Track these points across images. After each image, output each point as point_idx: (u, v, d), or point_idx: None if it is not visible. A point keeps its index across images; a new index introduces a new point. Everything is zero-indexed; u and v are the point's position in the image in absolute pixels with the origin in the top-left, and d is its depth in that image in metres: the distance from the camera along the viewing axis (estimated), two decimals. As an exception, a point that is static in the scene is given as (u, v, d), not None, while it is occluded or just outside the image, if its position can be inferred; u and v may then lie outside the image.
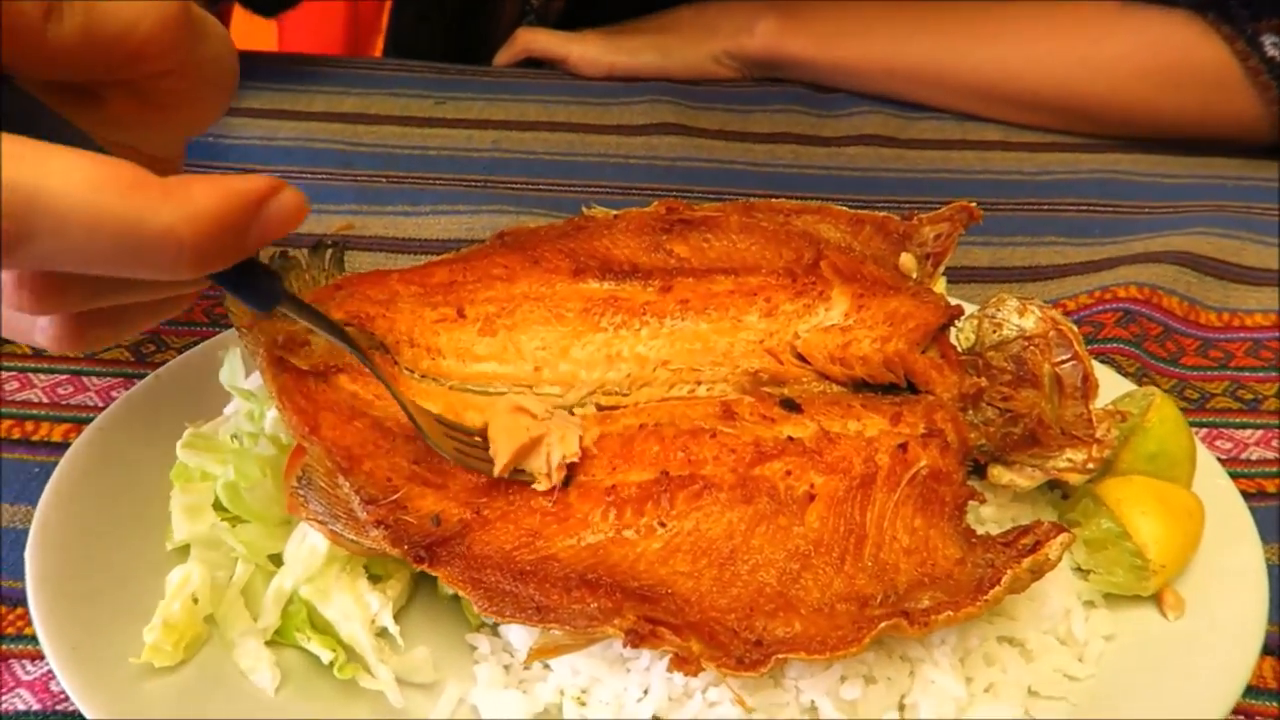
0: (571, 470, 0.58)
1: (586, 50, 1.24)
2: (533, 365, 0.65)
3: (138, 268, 0.42)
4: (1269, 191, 1.07)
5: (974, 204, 0.71)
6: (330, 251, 0.68)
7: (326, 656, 0.54)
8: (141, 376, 0.74)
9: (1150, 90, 1.06)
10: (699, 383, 0.64)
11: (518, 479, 0.58)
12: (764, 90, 1.23)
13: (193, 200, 0.42)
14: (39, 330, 0.50)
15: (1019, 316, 0.66)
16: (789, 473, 0.57)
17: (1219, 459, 0.70)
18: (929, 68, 1.15)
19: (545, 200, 1.03)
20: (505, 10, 1.28)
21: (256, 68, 1.23)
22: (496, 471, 0.57)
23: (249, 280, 0.49)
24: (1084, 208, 1.05)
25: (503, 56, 1.29)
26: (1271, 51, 0.99)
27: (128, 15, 0.46)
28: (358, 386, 0.61)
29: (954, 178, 1.10)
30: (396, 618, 0.57)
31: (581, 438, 0.59)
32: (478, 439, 0.59)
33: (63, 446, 0.72)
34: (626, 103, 1.19)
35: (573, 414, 0.63)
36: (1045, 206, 1.06)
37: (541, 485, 0.57)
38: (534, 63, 1.29)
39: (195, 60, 0.50)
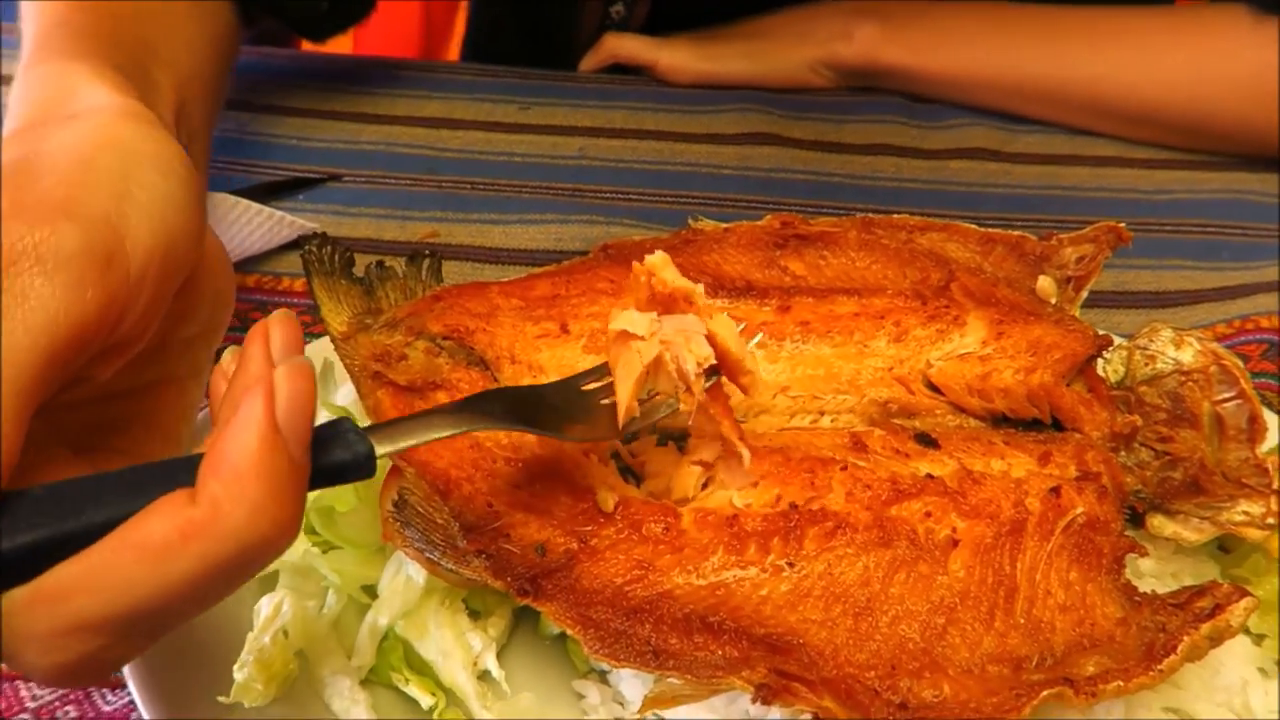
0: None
1: (675, 56, 1.20)
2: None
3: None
4: None
5: (1122, 224, 0.65)
6: (427, 261, 0.65)
7: (426, 702, 0.50)
8: (224, 385, 0.72)
9: None
10: (822, 412, 0.59)
11: (651, 418, 0.50)
12: (859, 100, 1.18)
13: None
14: None
15: (1175, 349, 0.60)
16: (929, 514, 0.52)
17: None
18: (1039, 80, 1.09)
19: (635, 210, 0.99)
20: (586, 16, 1.24)
21: (336, 69, 1.21)
22: (621, 417, 0.49)
23: (336, 461, 0.41)
24: (1210, 229, 0.99)
25: (588, 62, 1.25)
26: None
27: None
28: (458, 405, 0.57)
29: (1066, 195, 1.04)
30: (497, 659, 0.52)
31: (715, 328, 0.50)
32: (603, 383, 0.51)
33: (143, 457, 0.69)
34: (716, 111, 1.15)
35: (680, 445, 0.58)
36: (1168, 227, 0.99)
37: (685, 405, 0.50)
38: (620, 69, 1.26)
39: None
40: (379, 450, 0.42)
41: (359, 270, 0.63)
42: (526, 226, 0.96)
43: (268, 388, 0.38)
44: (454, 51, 1.99)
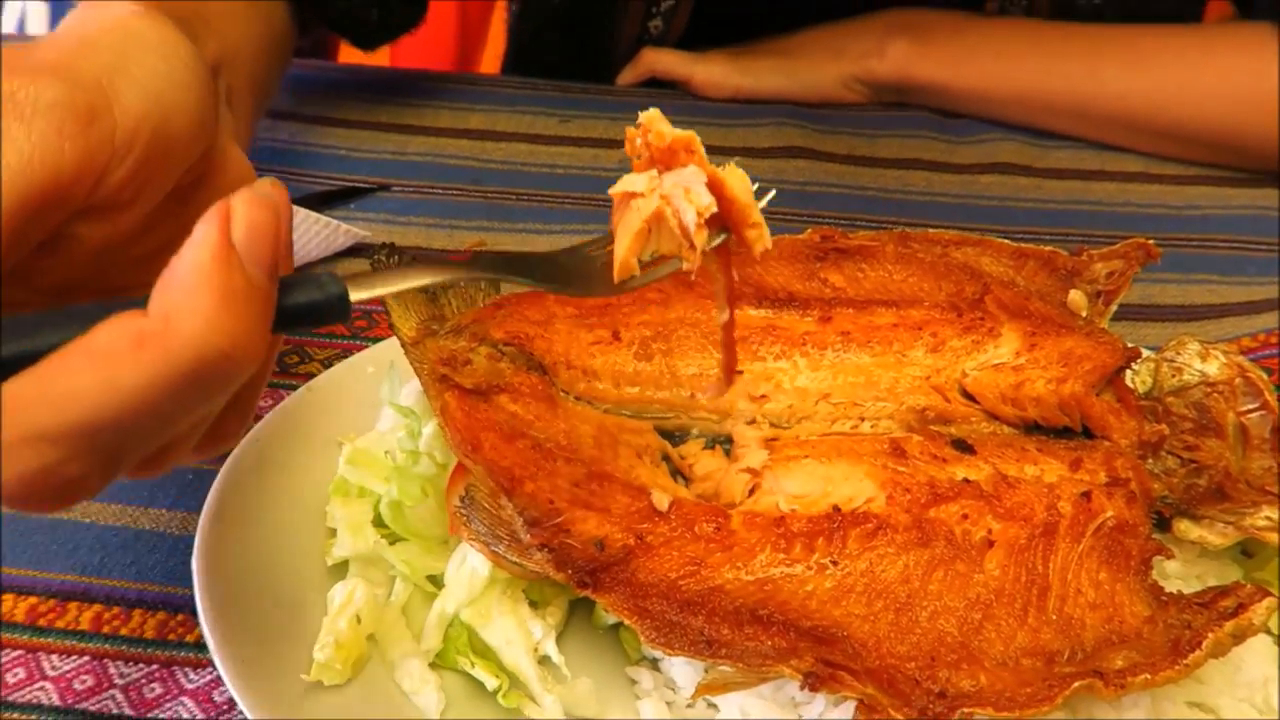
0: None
1: (711, 72, 1.24)
2: (688, 392, 0.64)
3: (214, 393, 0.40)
4: None
5: (1151, 240, 0.68)
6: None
7: (492, 683, 0.54)
8: (285, 387, 0.75)
9: None
10: (862, 419, 0.63)
11: (653, 276, 0.49)
12: (891, 115, 1.21)
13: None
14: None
15: (1201, 361, 0.63)
16: (965, 516, 0.55)
17: None
18: (1070, 97, 1.11)
19: (675, 222, 1.02)
20: (625, 30, 1.27)
21: (382, 82, 1.25)
22: (617, 273, 0.48)
23: (307, 300, 0.42)
24: (1236, 245, 1.01)
25: (626, 76, 1.29)
26: None
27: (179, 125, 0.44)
28: (518, 407, 0.60)
29: (1095, 209, 1.07)
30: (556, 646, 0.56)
31: (714, 178, 0.48)
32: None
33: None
34: (751, 125, 1.18)
35: (727, 449, 0.62)
36: (1195, 242, 1.02)
37: (689, 262, 0.49)
38: (657, 83, 1.29)
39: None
40: (354, 295, 0.42)
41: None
42: (570, 236, 0.99)
43: (223, 211, 0.39)
44: (488, 59, 2.03)
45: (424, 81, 1.27)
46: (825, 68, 1.22)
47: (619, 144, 1.16)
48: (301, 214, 0.92)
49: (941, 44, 1.18)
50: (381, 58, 1.70)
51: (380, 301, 0.64)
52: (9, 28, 2.05)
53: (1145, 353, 0.65)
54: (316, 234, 0.92)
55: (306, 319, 0.42)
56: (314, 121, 1.14)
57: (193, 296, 0.37)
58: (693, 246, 0.48)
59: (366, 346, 0.76)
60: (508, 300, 0.66)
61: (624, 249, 0.49)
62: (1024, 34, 1.17)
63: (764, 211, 0.99)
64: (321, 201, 1.01)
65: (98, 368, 0.37)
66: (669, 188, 0.49)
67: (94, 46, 0.44)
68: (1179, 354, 0.63)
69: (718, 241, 0.51)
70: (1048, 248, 0.70)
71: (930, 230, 0.74)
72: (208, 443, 0.47)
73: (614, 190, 0.50)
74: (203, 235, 0.38)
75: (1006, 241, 0.72)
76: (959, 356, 0.64)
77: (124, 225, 0.45)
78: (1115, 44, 1.12)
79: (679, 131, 0.50)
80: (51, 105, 0.40)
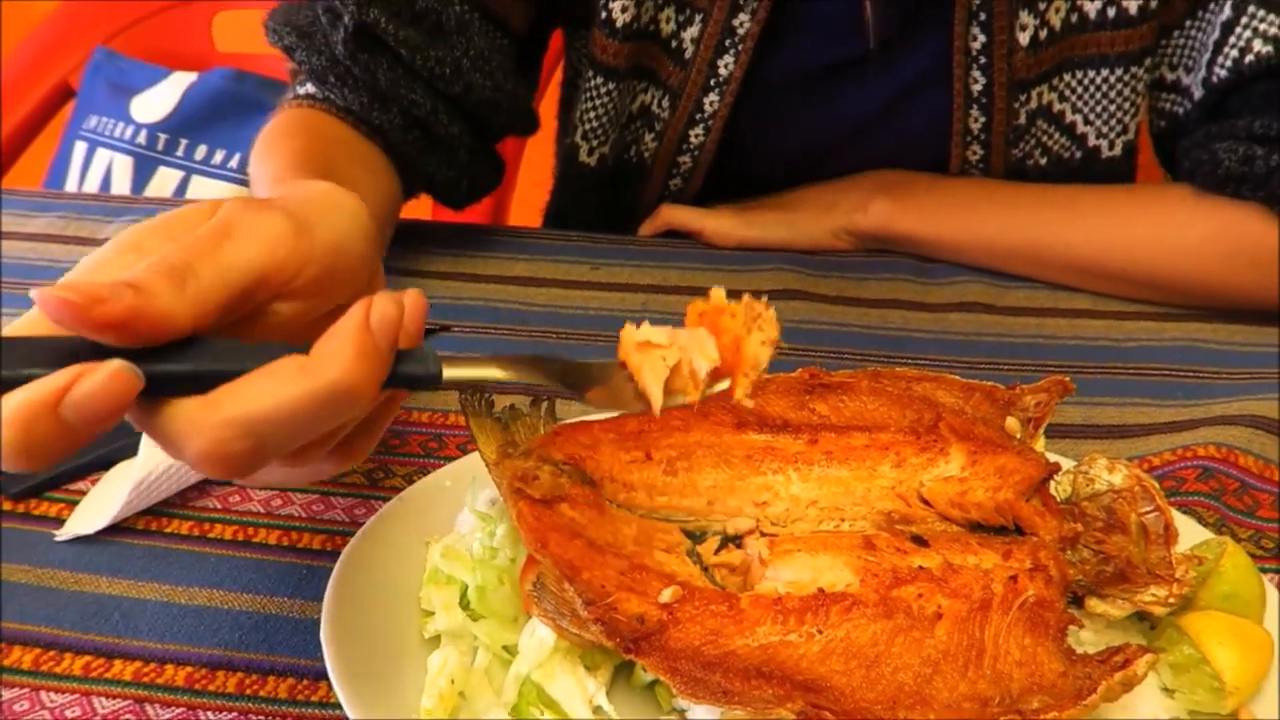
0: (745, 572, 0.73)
1: (720, 225, 1.44)
2: (706, 500, 0.82)
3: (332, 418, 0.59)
4: (1336, 359, 1.18)
5: (1067, 377, 0.86)
6: (545, 404, 0.87)
7: (559, 726, 0.70)
8: (375, 498, 0.94)
9: (1230, 272, 1.19)
10: (843, 520, 0.80)
11: (673, 401, 0.67)
12: (874, 260, 1.41)
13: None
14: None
15: (1109, 473, 0.80)
16: (920, 595, 0.72)
17: (1289, 600, 0.81)
18: (1024, 245, 1.31)
19: (691, 356, 1.20)
20: (649, 188, 1.49)
21: (440, 235, 1.46)
22: (657, 409, 0.66)
23: (413, 371, 0.61)
24: (1167, 373, 1.18)
25: (647, 228, 1.49)
26: (1330, 242, 1.13)
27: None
28: (575, 513, 0.77)
29: (1048, 343, 1.25)
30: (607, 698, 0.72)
31: (719, 343, 0.67)
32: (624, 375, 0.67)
33: (322, 553, 0.91)
34: (755, 270, 1.38)
35: (737, 544, 0.79)
36: (1131, 370, 1.19)
37: (691, 396, 0.67)
38: (673, 233, 1.50)
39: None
40: (446, 374, 0.62)
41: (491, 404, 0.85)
42: (602, 369, 1.18)
43: (368, 301, 0.59)
44: (516, 204, 2.27)
45: (476, 234, 1.48)
46: (818, 221, 1.42)
47: (641, 288, 1.37)
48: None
49: (916, 201, 1.38)
50: (423, 208, 1.93)
51: (466, 424, 0.82)
52: (96, 177, 2.30)
53: (1065, 466, 0.83)
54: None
55: (411, 385, 0.62)
56: (391, 271, 1.34)
57: (339, 348, 0.57)
58: (698, 388, 0.68)
59: (438, 464, 0.95)
60: (564, 429, 0.84)
61: (658, 392, 0.68)
62: (985, 192, 1.37)
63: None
64: (395, 341, 1.20)
65: (270, 381, 0.56)
66: (686, 341, 0.69)
67: (304, 201, 0.66)
68: (1091, 467, 0.81)
69: (720, 388, 0.70)
70: (989, 383, 0.88)
71: (898, 368, 0.92)
72: (341, 455, 0.67)
73: (636, 338, 0.69)
74: (352, 312, 0.59)
75: (957, 378, 0.90)
76: (917, 471, 0.81)
77: (307, 313, 0.65)
78: (1061, 201, 1.32)
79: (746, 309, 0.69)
80: (278, 221, 0.62)
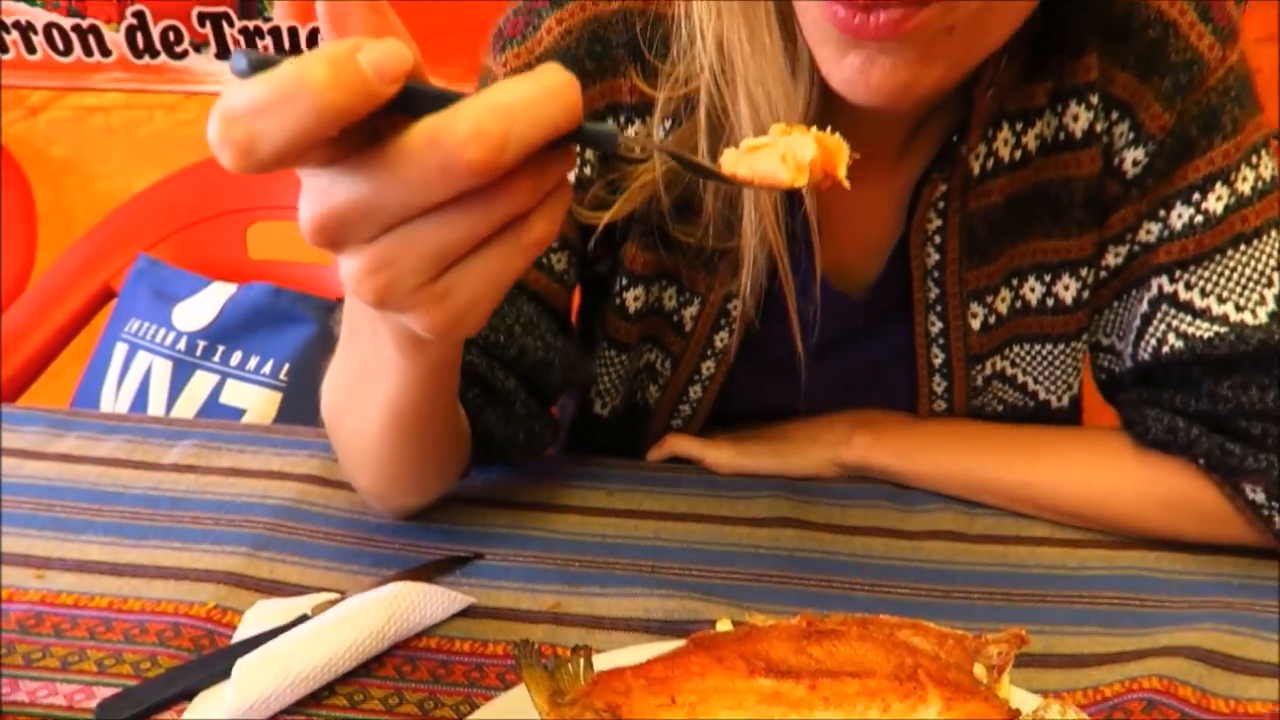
0: None
1: (719, 454, 1.62)
2: (723, 740, 0.96)
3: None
4: (1270, 589, 1.34)
5: (1024, 630, 1.02)
6: (584, 655, 1.02)
7: None
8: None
9: (1166, 517, 1.37)
10: (838, 759, 0.94)
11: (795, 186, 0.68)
12: (856, 487, 1.58)
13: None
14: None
15: (1060, 715, 0.95)
16: (907, 833, 0.85)
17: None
18: (990, 482, 1.49)
19: (700, 584, 1.35)
20: (657, 419, 1.67)
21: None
22: (786, 181, 0.67)
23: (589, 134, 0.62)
24: (1117, 601, 1.33)
25: (653, 454, 1.67)
26: (1251, 496, 1.31)
27: None
28: (613, 756, 0.92)
29: (1012, 570, 1.40)
30: None
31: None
32: None
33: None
34: (750, 497, 1.55)
35: None
36: (1086, 598, 1.34)
37: (800, 181, 0.68)
38: (677, 459, 1.67)
39: None
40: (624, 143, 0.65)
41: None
42: (620, 599, 1.32)
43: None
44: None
45: (502, 465, 1.65)
46: (807, 452, 1.60)
47: (653, 515, 1.54)
48: (426, 588, 1.26)
49: (893, 437, 1.57)
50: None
51: (520, 677, 0.97)
52: (136, 378, 2.48)
53: (1024, 711, 0.98)
54: (439, 604, 1.25)
55: (593, 141, 0.63)
56: (428, 516, 1.49)
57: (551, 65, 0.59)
58: (803, 173, 0.70)
59: (483, 693, 1.08)
60: (602, 677, 0.98)
61: (778, 167, 0.69)
62: (953, 431, 1.56)
63: (766, 574, 1.35)
64: (436, 570, 1.35)
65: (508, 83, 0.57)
66: (785, 142, 0.73)
67: None
68: (1046, 712, 0.96)
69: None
70: (960, 631, 1.04)
71: (881, 615, 1.08)
72: (513, 246, 0.66)
73: (741, 149, 0.71)
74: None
75: (932, 625, 1.06)
76: (901, 714, 0.96)
77: None
78: (1020, 443, 1.50)
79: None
80: None
